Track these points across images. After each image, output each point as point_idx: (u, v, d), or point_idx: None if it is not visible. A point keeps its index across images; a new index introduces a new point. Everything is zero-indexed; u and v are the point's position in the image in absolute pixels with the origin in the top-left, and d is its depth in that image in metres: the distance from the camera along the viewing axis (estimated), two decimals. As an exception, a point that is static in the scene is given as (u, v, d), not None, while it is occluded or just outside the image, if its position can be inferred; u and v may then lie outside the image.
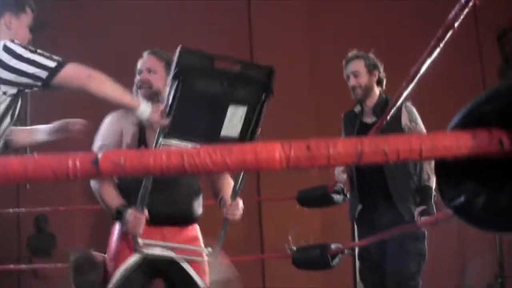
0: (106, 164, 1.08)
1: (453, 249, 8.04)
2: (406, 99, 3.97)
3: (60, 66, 2.76)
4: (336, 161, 1.04)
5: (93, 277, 2.93)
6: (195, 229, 3.33)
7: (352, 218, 4.34)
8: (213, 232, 3.34)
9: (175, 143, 2.85)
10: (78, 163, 1.08)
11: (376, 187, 4.06)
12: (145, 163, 1.06)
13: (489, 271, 7.71)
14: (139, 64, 3.30)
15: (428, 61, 2.54)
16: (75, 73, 2.79)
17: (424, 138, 1.08)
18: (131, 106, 2.86)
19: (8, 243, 9.32)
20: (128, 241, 3.09)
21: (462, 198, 1.13)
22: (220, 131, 2.87)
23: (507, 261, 6.19)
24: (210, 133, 2.86)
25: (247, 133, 2.88)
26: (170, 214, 3.17)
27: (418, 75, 2.69)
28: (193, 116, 2.86)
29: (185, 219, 3.27)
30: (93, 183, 3.18)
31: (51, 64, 2.76)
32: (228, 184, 3.33)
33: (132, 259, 3.06)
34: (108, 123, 3.29)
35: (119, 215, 3.05)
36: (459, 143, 1.07)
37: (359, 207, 4.17)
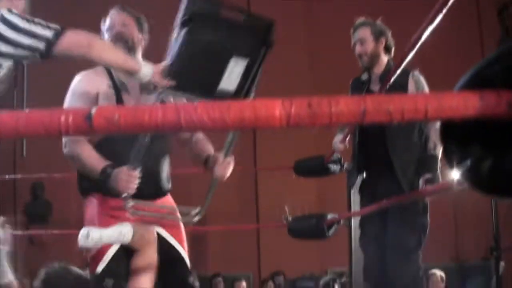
0: (99, 120, 1.04)
1: (448, 222, 8.05)
2: (413, 68, 3.94)
3: (57, 35, 2.68)
4: (338, 119, 1.01)
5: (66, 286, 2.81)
6: (170, 199, 3.24)
7: (350, 186, 4.32)
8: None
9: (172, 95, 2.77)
10: (70, 119, 1.05)
11: (378, 156, 4.03)
12: (139, 119, 1.02)
13: (484, 245, 7.73)
14: (108, 21, 3.16)
15: (430, 28, 2.50)
16: (74, 42, 2.70)
17: (430, 98, 1.04)
18: (134, 70, 2.78)
19: (5, 210, 9.32)
20: (110, 212, 2.96)
21: (468, 162, 1.09)
22: (219, 84, 2.75)
23: (503, 235, 6.19)
24: (208, 86, 2.75)
25: (243, 89, 2.77)
26: (145, 188, 2.97)
27: (420, 42, 2.65)
28: (194, 68, 2.74)
29: (159, 191, 3.16)
30: (69, 149, 3.00)
31: (49, 34, 2.67)
32: (211, 146, 3.24)
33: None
34: (82, 85, 3.09)
35: (106, 175, 2.87)
36: (466, 104, 1.03)
37: (361, 176, 4.15)
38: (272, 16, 2.83)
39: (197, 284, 3.20)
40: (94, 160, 2.95)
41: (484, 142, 1.09)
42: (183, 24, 2.65)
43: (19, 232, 8.08)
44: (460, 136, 1.11)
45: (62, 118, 1.03)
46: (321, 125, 1.00)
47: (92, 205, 3.04)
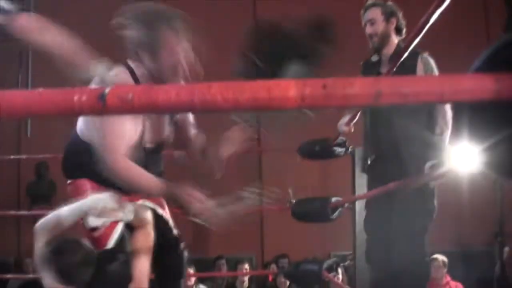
0: (113, 99, 1.04)
1: (451, 207, 8.05)
2: (423, 50, 3.92)
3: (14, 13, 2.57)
4: (353, 101, 1.00)
5: (74, 259, 2.79)
6: None
7: (362, 169, 4.34)
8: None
9: None
10: (84, 98, 1.04)
11: (386, 140, 4.03)
12: (153, 99, 1.02)
13: (488, 230, 7.73)
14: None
15: (438, 11, 2.48)
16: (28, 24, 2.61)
17: (446, 80, 1.03)
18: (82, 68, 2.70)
19: (9, 189, 9.35)
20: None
21: (486, 144, 1.09)
22: None
23: (507, 220, 6.19)
24: None
25: None
26: None
27: (428, 25, 2.63)
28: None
29: None
30: (120, 171, 2.83)
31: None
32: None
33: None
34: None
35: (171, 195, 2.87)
36: (482, 86, 1.03)
37: (370, 159, 4.16)
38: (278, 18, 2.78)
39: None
40: (149, 179, 2.88)
41: (503, 126, 1.08)
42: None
43: (22, 212, 8.12)
44: (477, 119, 1.10)
45: (76, 97, 1.03)
46: (335, 107, 0.99)
47: (86, 187, 3.01)
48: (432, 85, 1.02)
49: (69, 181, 3.07)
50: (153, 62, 2.86)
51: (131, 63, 2.93)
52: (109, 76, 2.73)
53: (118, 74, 2.84)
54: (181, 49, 2.86)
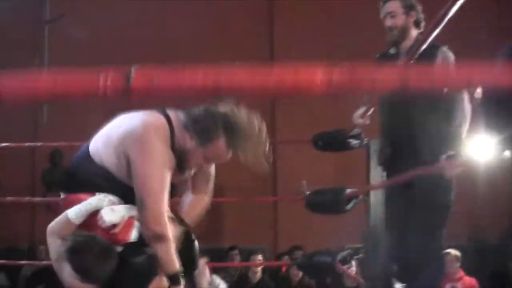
0: (139, 81, 1.03)
1: (465, 201, 8.02)
2: (442, 44, 3.89)
3: None
4: (379, 85, 0.99)
5: (91, 254, 2.79)
6: None
7: (378, 163, 4.31)
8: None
9: None
10: (109, 79, 1.04)
11: (403, 132, 4.01)
12: (179, 81, 1.02)
13: (502, 225, 7.70)
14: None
15: (458, 4, 2.46)
16: None
17: (472, 68, 1.02)
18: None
19: (24, 176, 9.40)
20: None
21: (507, 133, 1.08)
22: None
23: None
24: None
25: None
26: None
27: (446, 18, 2.62)
28: None
29: None
30: (157, 228, 2.82)
31: None
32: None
33: None
34: (159, 149, 2.85)
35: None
36: (508, 74, 1.02)
37: (386, 151, 4.13)
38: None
39: None
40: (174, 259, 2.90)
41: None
42: None
43: (37, 199, 8.16)
44: (499, 108, 1.10)
45: (101, 78, 1.03)
46: (361, 92, 0.99)
47: (85, 197, 2.93)
48: (458, 73, 1.02)
49: (64, 195, 2.98)
50: (191, 143, 2.87)
51: (175, 115, 2.92)
52: None
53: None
54: (219, 158, 2.93)
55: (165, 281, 2.89)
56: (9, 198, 5.34)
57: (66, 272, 2.72)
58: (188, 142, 2.86)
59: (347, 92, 1.00)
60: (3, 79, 1.00)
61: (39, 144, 8.49)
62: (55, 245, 2.80)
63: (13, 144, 5.91)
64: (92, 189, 2.85)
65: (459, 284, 6.77)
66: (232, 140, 2.82)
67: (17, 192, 7.22)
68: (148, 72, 1.03)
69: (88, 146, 2.98)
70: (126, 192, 2.83)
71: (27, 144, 8.00)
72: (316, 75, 0.99)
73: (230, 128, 2.81)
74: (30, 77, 1.08)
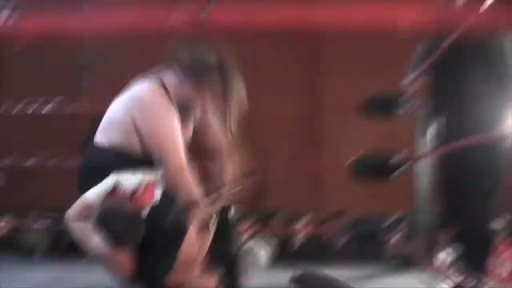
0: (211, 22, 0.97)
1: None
2: None
3: None
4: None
5: (121, 222, 2.80)
6: None
7: (424, 129, 4.24)
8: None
9: None
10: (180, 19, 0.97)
11: (454, 100, 3.91)
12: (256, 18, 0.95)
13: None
14: None
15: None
16: None
17: None
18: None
19: (64, 143, 9.47)
20: None
21: None
22: None
23: None
24: None
25: None
26: None
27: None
28: None
29: None
30: (182, 177, 2.96)
31: None
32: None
33: None
34: (163, 105, 3.03)
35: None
36: None
37: (436, 118, 4.05)
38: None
39: None
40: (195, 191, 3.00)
41: None
42: None
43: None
44: None
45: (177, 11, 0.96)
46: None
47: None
48: None
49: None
50: (190, 87, 3.05)
51: (165, 76, 3.08)
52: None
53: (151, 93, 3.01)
54: (219, 99, 3.06)
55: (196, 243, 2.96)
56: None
57: (95, 243, 2.78)
58: (185, 88, 3.06)
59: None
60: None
61: (80, 109, 8.53)
62: (78, 227, 2.86)
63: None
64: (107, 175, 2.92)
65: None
66: (221, 76, 3.01)
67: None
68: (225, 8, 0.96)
69: (90, 146, 3.19)
70: (139, 166, 2.93)
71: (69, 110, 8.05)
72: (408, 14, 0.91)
73: (218, 66, 3.01)
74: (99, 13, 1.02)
